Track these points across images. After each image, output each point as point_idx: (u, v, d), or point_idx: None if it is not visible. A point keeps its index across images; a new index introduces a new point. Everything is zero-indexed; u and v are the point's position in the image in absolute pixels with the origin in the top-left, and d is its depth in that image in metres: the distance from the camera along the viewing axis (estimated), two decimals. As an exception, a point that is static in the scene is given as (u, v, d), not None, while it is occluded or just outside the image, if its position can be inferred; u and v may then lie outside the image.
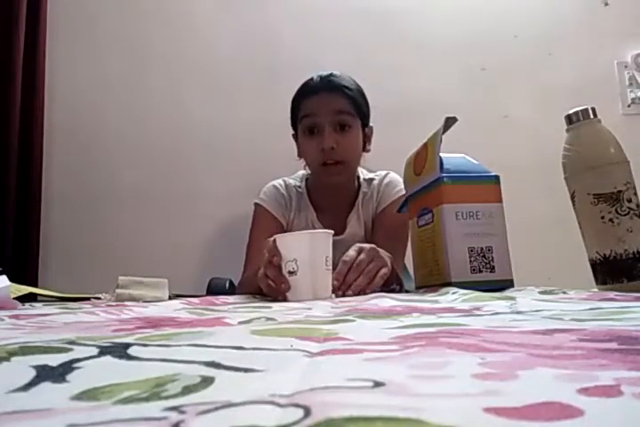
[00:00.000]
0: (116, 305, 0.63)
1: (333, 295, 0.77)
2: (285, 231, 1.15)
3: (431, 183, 0.80)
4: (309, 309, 0.52)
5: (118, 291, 0.76)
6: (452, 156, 0.82)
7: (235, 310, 0.54)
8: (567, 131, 0.67)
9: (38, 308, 0.62)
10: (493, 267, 0.75)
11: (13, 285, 0.70)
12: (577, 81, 1.71)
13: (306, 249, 0.75)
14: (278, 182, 1.26)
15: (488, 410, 0.13)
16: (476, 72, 1.74)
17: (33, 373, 0.19)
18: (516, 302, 0.47)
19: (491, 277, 0.74)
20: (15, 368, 0.21)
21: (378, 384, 0.16)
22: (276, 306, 0.57)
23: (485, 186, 0.78)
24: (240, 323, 0.37)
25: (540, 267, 1.47)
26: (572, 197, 0.66)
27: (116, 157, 1.65)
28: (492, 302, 0.47)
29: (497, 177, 0.79)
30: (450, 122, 0.79)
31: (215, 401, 0.15)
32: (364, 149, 1.19)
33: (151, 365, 0.21)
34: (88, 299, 0.82)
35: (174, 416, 0.13)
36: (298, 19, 1.74)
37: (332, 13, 1.75)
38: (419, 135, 0.89)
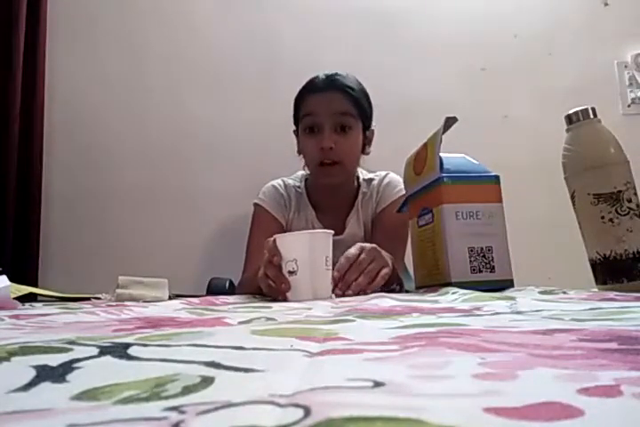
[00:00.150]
0: (116, 305, 0.63)
1: (333, 295, 0.77)
2: (285, 231, 1.15)
3: (431, 183, 0.80)
4: (309, 309, 0.52)
5: (118, 291, 0.76)
6: (452, 156, 0.82)
7: (235, 310, 0.54)
8: (567, 131, 0.67)
9: (38, 308, 0.62)
10: (493, 267, 0.75)
11: (13, 285, 0.70)
12: (577, 81, 1.71)
13: (305, 249, 0.75)
14: (277, 182, 1.26)
15: (488, 410, 0.13)
16: (476, 72, 1.74)
17: (33, 373, 0.19)
18: (516, 302, 0.47)
19: (491, 277, 0.74)
20: (15, 368, 0.21)
21: (378, 384, 0.16)
22: (276, 306, 0.57)
23: (485, 186, 0.78)
24: (240, 323, 0.37)
25: (540, 267, 1.47)
26: (572, 197, 0.66)
27: (116, 157, 1.65)
28: (492, 302, 0.47)
29: (497, 177, 0.79)
30: (450, 122, 0.79)
31: (215, 401, 0.15)
32: (364, 152, 1.20)
33: (151, 365, 0.21)
34: (88, 299, 0.82)
35: (174, 416, 0.13)
36: (298, 19, 1.74)
37: (332, 13, 1.74)
38: (419, 135, 0.89)
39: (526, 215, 1.53)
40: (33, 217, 1.54)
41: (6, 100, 1.53)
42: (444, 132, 0.79)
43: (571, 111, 0.66)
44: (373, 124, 1.21)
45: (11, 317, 0.46)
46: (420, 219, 0.84)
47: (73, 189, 1.62)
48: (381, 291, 0.79)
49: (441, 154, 0.79)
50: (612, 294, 0.52)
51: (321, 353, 0.22)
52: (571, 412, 0.13)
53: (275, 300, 0.77)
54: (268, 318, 0.40)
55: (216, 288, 1.29)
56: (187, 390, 0.16)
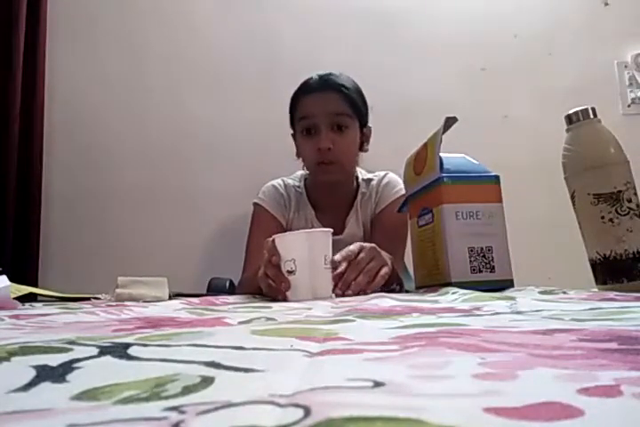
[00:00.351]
0: (116, 305, 0.63)
1: (333, 295, 0.77)
2: (285, 231, 1.15)
3: (431, 183, 0.80)
4: (309, 309, 0.52)
5: (118, 291, 0.76)
6: (452, 156, 0.82)
7: (235, 310, 0.54)
8: (567, 131, 0.67)
9: (38, 308, 0.62)
10: (493, 267, 0.75)
11: (13, 285, 0.70)
12: (577, 81, 1.71)
13: (304, 248, 0.75)
14: (277, 182, 1.26)
15: (488, 410, 0.13)
16: (476, 72, 1.74)
17: (33, 373, 0.19)
18: (516, 302, 0.47)
19: (491, 278, 0.74)
20: (15, 368, 0.21)
21: (378, 384, 0.16)
22: (276, 306, 0.57)
23: (485, 186, 0.78)
24: (240, 323, 0.37)
25: (540, 267, 1.47)
26: (572, 197, 0.66)
27: (116, 157, 1.65)
28: (492, 302, 0.47)
29: (497, 177, 0.79)
30: (450, 122, 0.79)
31: (215, 401, 0.15)
32: (362, 149, 1.20)
33: (151, 365, 0.21)
34: (88, 299, 0.82)
35: (174, 416, 0.13)
36: (298, 19, 1.74)
37: (332, 13, 1.74)
38: (419, 135, 0.89)
39: (526, 215, 1.53)
40: (33, 217, 1.53)
41: (6, 100, 1.53)
42: (444, 133, 0.79)
43: (571, 111, 0.66)
44: (370, 123, 1.21)
45: (11, 317, 0.46)
46: (420, 219, 0.84)
47: (73, 189, 1.62)
48: (381, 291, 0.79)
49: (441, 154, 0.79)
50: (612, 294, 0.52)
51: (321, 353, 0.22)
52: (571, 412, 0.13)
53: (275, 300, 0.76)
54: (268, 318, 0.40)
55: (216, 288, 1.29)
56: (187, 390, 0.16)
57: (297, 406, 0.14)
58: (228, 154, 1.66)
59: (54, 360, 0.21)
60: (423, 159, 0.84)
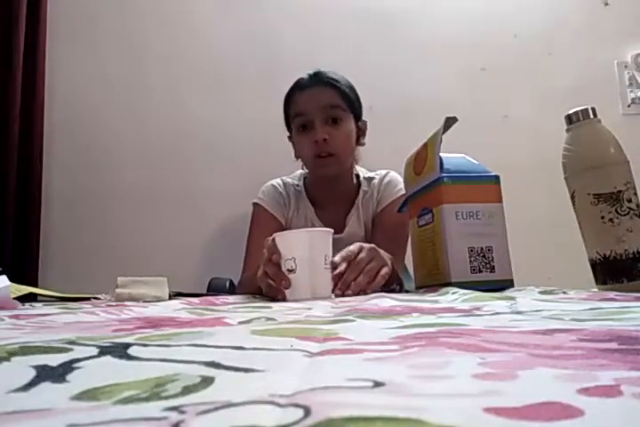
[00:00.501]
0: (116, 305, 0.63)
1: (333, 295, 0.77)
2: (284, 230, 1.15)
3: (431, 183, 0.80)
4: (309, 309, 0.52)
5: (118, 291, 0.76)
6: (452, 156, 0.82)
7: (235, 310, 0.54)
8: (567, 131, 0.67)
9: (38, 308, 0.62)
10: (493, 267, 0.75)
11: (13, 285, 0.70)
12: (577, 81, 1.71)
13: (305, 247, 0.75)
14: (276, 182, 1.26)
15: (488, 410, 0.13)
16: (476, 72, 1.74)
17: (33, 373, 0.19)
18: (516, 302, 0.47)
19: (491, 278, 0.74)
20: (15, 368, 0.21)
21: (378, 384, 0.16)
22: (276, 306, 0.57)
23: (485, 186, 0.78)
24: (240, 323, 0.37)
25: (540, 267, 1.47)
26: (572, 197, 0.66)
27: (116, 157, 1.65)
28: (492, 302, 0.47)
29: (497, 177, 0.79)
30: (450, 122, 0.79)
31: (215, 401, 0.15)
32: (358, 143, 1.20)
33: (151, 365, 0.21)
34: (88, 299, 0.82)
35: (174, 416, 0.13)
36: (298, 19, 1.74)
37: (332, 13, 1.74)
38: (419, 135, 0.89)
39: (526, 215, 1.53)
40: (33, 217, 1.53)
41: (6, 100, 1.53)
42: (444, 133, 0.79)
43: (571, 111, 0.66)
44: (370, 123, 1.21)
45: (11, 317, 0.46)
46: (420, 219, 0.84)
47: (73, 189, 1.62)
48: (381, 291, 0.79)
49: (441, 154, 0.79)
50: (612, 294, 0.52)
51: (321, 353, 0.22)
52: (571, 412, 0.13)
53: (274, 300, 0.76)
54: (268, 318, 0.40)
55: (216, 288, 1.29)
56: (187, 390, 0.16)
57: (297, 406, 0.14)
58: (228, 154, 1.66)
59: (54, 360, 0.21)
60: (423, 159, 0.84)
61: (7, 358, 0.22)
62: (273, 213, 1.20)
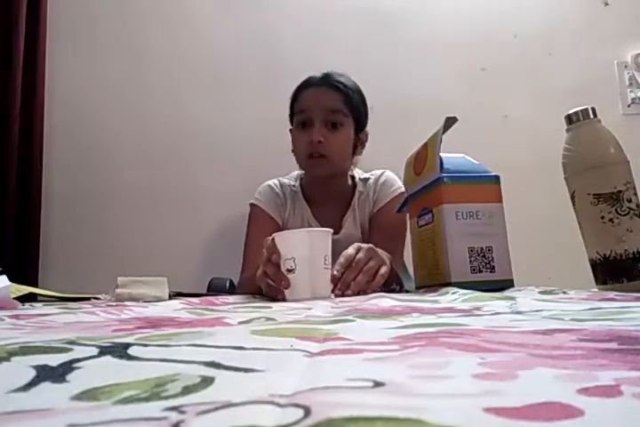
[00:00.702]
0: (116, 305, 0.63)
1: (333, 295, 0.77)
2: (281, 230, 1.15)
3: (431, 183, 0.80)
4: (309, 309, 0.52)
5: (118, 291, 0.76)
6: (452, 156, 0.82)
7: (235, 310, 0.54)
8: (567, 131, 0.67)
9: (38, 308, 0.62)
10: (493, 267, 0.75)
11: (13, 285, 0.70)
12: (577, 81, 1.71)
13: (304, 247, 0.75)
14: (273, 182, 1.27)
15: (488, 410, 0.13)
16: (475, 72, 1.74)
17: (33, 373, 0.19)
18: (516, 302, 0.47)
19: (491, 278, 0.74)
20: (15, 368, 0.21)
21: (378, 384, 0.16)
22: (276, 306, 0.57)
23: (485, 186, 0.78)
24: (240, 323, 0.37)
25: (540, 267, 1.47)
26: (572, 197, 0.66)
27: (116, 157, 1.65)
28: (492, 302, 0.47)
29: (497, 177, 0.79)
30: (450, 122, 0.79)
31: (215, 401, 0.15)
32: (355, 153, 1.19)
33: (151, 365, 0.21)
34: (88, 299, 0.82)
35: (174, 416, 0.13)
36: (298, 19, 1.74)
37: (331, 13, 1.74)
38: (419, 135, 0.89)
39: (526, 215, 1.53)
40: (33, 217, 1.53)
41: (6, 100, 1.53)
42: (444, 133, 0.79)
43: (571, 111, 0.66)
44: (370, 123, 1.21)
45: (11, 317, 0.46)
46: (420, 219, 0.84)
47: (73, 189, 1.62)
48: (381, 291, 0.79)
49: (441, 154, 0.79)
50: (612, 294, 0.52)
51: (321, 353, 0.22)
52: (571, 412, 0.13)
53: (274, 300, 0.76)
54: (268, 318, 0.40)
55: (216, 288, 1.29)
56: (187, 390, 0.16)
57: (297, 406, 0.14)
58: (228, 154, 1.66)
59: (54, 360, 0.21)
60: (423, 159, 0.84)
61: (7, 358, 0.22)
62: (270, 213, 1.20)
